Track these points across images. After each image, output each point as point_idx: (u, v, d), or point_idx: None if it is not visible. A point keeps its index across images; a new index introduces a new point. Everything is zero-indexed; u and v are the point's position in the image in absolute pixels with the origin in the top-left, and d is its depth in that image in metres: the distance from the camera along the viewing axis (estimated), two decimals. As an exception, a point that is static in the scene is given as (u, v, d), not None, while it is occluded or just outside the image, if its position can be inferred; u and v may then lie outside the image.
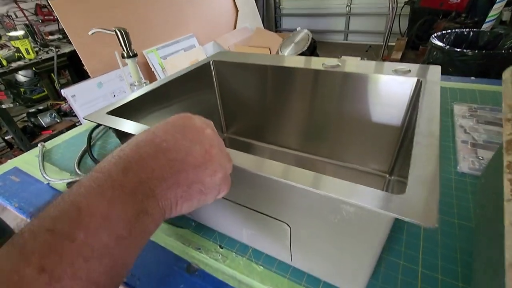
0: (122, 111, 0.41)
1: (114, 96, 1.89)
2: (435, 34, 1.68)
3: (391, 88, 0.43)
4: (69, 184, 0.55)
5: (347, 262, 0.30)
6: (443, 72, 1.66)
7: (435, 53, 1.55)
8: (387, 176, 0.50)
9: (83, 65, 1.80)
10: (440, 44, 1.54)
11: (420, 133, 0.28)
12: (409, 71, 0.42)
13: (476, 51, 1.38)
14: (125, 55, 0.66)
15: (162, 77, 2.36)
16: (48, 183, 0.57)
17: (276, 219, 0.31)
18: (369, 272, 0.30)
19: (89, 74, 1.84)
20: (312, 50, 0.77)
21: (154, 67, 2.12)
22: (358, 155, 0.52)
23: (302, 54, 0.74)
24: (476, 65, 1.40)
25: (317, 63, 0.49)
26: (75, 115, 1.79)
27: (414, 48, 2.49)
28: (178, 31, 2.36)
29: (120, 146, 0.21)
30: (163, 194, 0.20)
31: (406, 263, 0.37)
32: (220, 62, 0.57)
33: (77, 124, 1.92)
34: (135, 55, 0.67)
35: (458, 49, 1.43)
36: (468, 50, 1.40)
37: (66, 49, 2.04)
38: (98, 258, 0.16)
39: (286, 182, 0.24)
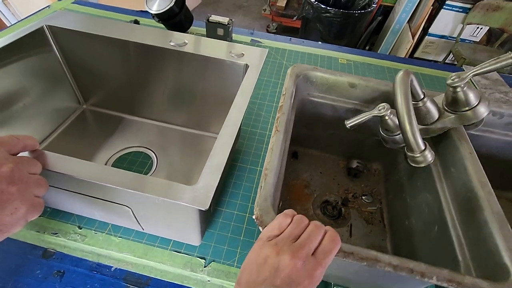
0: None
1: None
2: (310, -13, 1.81)
3: (228, 68, 0.49)
4: None
5: (182, 227, 0.38)
6: (313, 27, 1.82)
7: (307, 7, 1.69)
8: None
9: None
10: (311, -2, 1.68)
11: (226, 124, 0.36)
12: (243, 54, 0.49)
13: (336, 10, 1.58)
14: None
15: (5, 13, 1.82)
16: None
17: (117, 203, 0.36)
18: (199, 229, 0.39)
19: None
20: (180, 5, 0.75)
21: (-14, -1, 1.60)
22: (207, 123, 0.60)
23: (171, 10, 0.71)
24: (337, 23, 1.63)
25: (166, 39, 0.50)
26: None
27: (297, -5, 2.62)
28: None
29: None
30: None
31: (239, 212, 0.48)
32: (59, 29, 0.51)
33: None
34: None
35: (323, 6, 1.60)
36: (331, 8, 1.59)
37: None
38: None
39: (116, 187, 0.28)
